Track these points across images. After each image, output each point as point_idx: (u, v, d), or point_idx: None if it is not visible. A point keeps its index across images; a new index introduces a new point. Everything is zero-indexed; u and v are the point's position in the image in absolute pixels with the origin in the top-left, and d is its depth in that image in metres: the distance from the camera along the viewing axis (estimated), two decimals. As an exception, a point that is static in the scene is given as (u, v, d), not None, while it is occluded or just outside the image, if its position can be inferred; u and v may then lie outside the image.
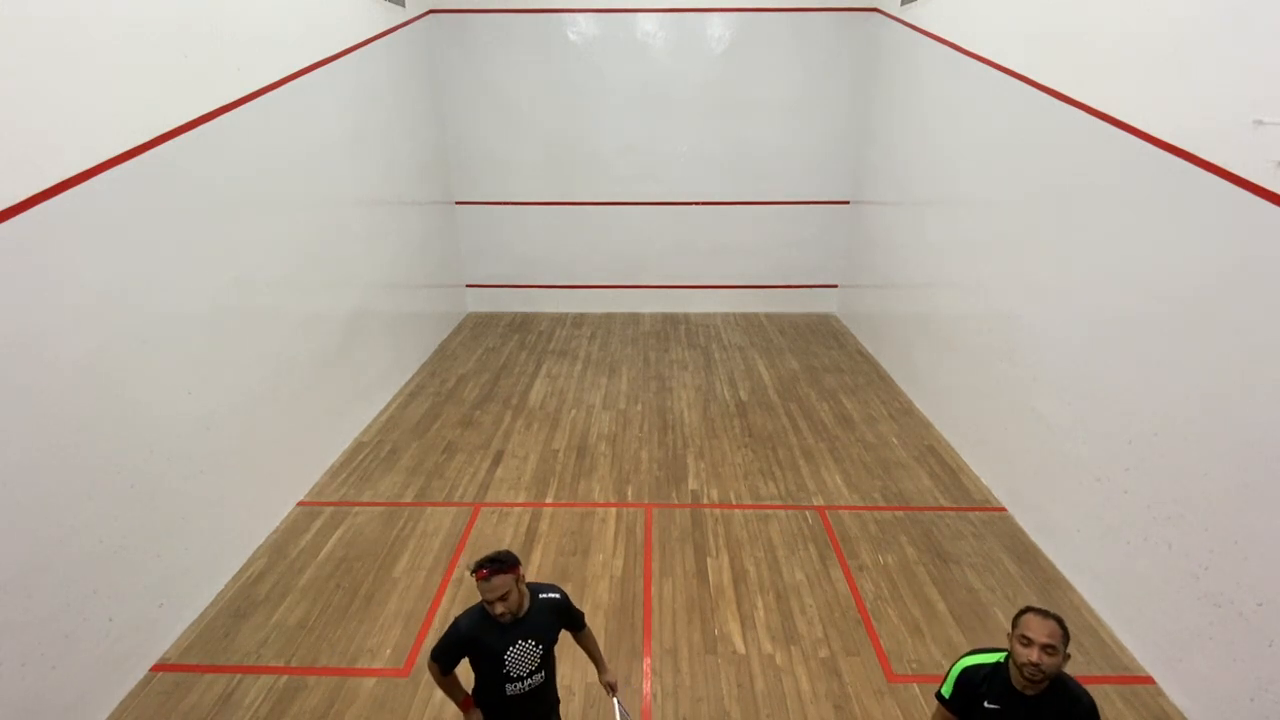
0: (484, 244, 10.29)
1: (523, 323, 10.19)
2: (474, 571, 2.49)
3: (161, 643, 4.06)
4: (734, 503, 5.61)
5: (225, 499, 4.62)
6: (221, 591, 4.56)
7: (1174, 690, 3.75)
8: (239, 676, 3.90)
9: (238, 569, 4.77)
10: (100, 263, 3.60)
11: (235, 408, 4.71)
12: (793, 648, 4.12)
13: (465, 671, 2.61)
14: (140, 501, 3.86)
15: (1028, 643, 2.20)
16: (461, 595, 4.54)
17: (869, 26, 9.00)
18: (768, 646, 4.13)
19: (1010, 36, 5.53)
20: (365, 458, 6.29)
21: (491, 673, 2.52)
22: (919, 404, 7.28)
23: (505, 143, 9.71)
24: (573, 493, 5.77)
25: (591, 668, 3.94)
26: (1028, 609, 2.30)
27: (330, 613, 4.40)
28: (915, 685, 3.85)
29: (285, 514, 5.40)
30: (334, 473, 6.03)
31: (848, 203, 9.92)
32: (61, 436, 3.36)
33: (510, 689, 2.54)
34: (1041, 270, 5.01)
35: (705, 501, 5.63)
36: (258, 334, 5.00)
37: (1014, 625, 2.29)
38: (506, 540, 5.11)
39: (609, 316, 10.46)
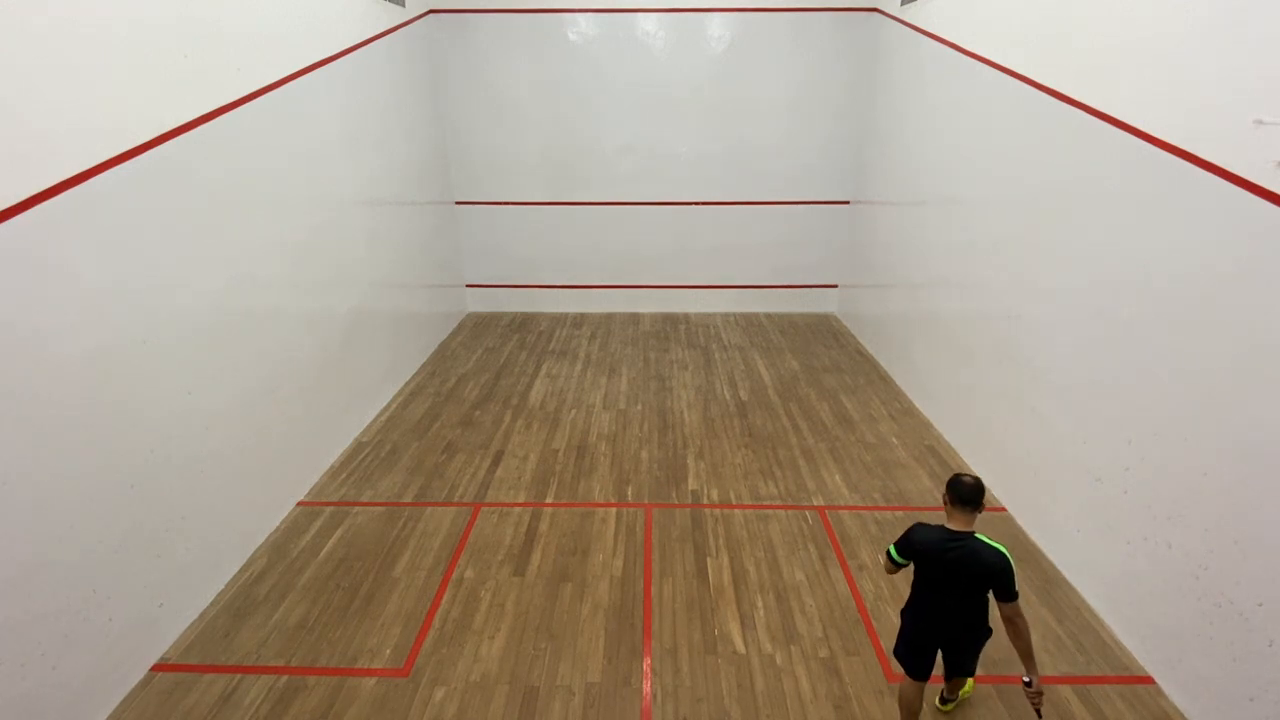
0: (484, 244, 10.29)
1: (523, 323, 10.19)
2: None
3: (161, 643, 4.07)
4: (734, 503, 5.61)
5: (225, 499, 4.62)
6: (221, 591, 4.56)
7: (1174, 690, 3.75)
8: (239, 676, 3.90)
9: (238, 569, 4.77)
10: (100, 263, 3.60)
11: (235, 408, 4.72)
12: (793, 648, 4.12)
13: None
14: (140, 501, 3.86)
15: None
16: (461, 596, 4.54)
17: (869, 26, 9.00)
18: (768, 646, 4.13)
19: (1010, 36, 5.53)
20: (365, 458, 6.29)
21: None
22: (919, 404, 7.28)
23: (505, 143, 9.71)
24: (573, 493, 5.77)
25: (592, 666, 3.95)
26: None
27: (330, 613, 4.40)
28: (915, 685, 3.85)
29: (285, 514, 5.40)
30: (334, 473, 6.03)
31: (848, 203, 9.92)
32: (61, 436, 3.36)
33: None
34: (1041, 270, 5.01)
35: (705, 501, 5.63)
36: (258, 334, 5.00)
37: None
38: (506, 540, 5.12)
39: (609, 316, 10.46)
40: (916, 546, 3.11)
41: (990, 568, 2.91)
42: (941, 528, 3.09)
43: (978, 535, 3.02)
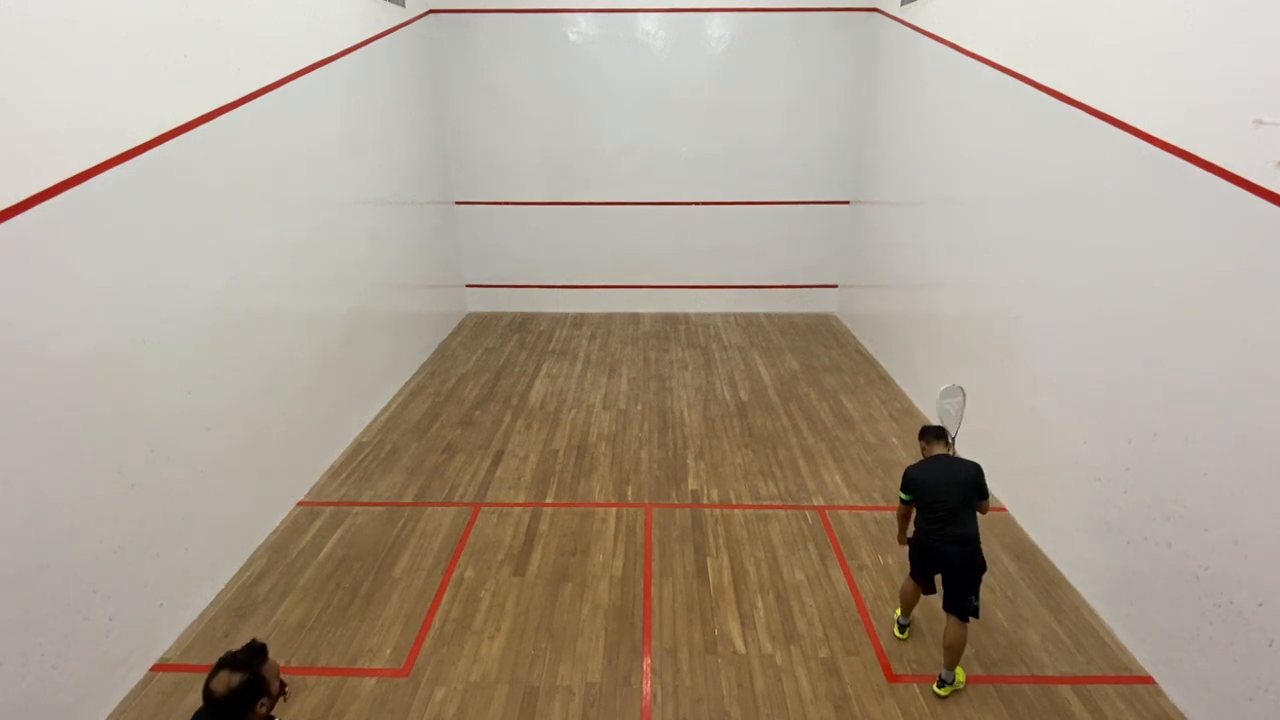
0: (484, 244, 10.29)
1: (523, 323, 10.19)
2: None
3: (161, 643, 4.07)
4: (734, 503, 5.61)
5: (225, 499, 4.62)
6: (221, 591, 4.56)
7: (1174, 690, 3.75)
8: (239, 676, 3.89)
9: (238, 569, 4.77)
10: (100, 263, 3.60)
11: (235, 408, 4.72)
12: (793, 648, 4.12)
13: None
14: (140, 501, 3.86)
15: None
16: (461, 596, 4.54)
17: (869, 26, 9.00)
18: (768, 646, 4.13)
19: (1010, 36, 5.53)
20: (365, 458, 6.29)
21: None
22: (919, 404, 7.28)
23: (505, 143, 9.71)
24: (573, 493, 5.77)
25: (592, 666, 3.95)
26: None
27: (330, 613, 4.40)
28: (915, 685, 3.85)
29: (285, 514, 5.40)
30: (334, 473, 6.03)
31: (848, 203, 9.92)
32: (62, 437, 3.36)
33: None
34: (1041, 270, 5.01)
35: (705, 501, 5.63)
36: (258, 334, 5.00)
37: None
38: (506, 540, 5.12)
39: (609, 316, 10.46)
40: (917, 475, 3.87)
41: (971, 467, 3.81)
42: (929, 458, 3.96)
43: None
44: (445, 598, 4.53)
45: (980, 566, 3.68)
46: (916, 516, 3.88)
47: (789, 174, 9.83)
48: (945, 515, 3.70)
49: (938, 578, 3.90)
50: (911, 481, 3.89)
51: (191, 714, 2.22)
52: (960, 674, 3.78)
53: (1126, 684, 3.85)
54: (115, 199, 3.68)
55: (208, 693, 2.06)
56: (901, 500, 3.95)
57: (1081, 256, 4.55)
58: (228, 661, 2.11)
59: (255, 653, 2.16)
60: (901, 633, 4.18)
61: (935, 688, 3.78)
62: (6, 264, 3.09)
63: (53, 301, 3.32)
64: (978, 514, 3.76)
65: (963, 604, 3.67)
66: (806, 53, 9.22)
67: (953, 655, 3.71)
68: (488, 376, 8.16)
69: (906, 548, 4.08)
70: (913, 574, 4.04)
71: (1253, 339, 3.28)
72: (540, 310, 10.63)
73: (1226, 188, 3.43)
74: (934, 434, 4.05)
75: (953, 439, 4.11)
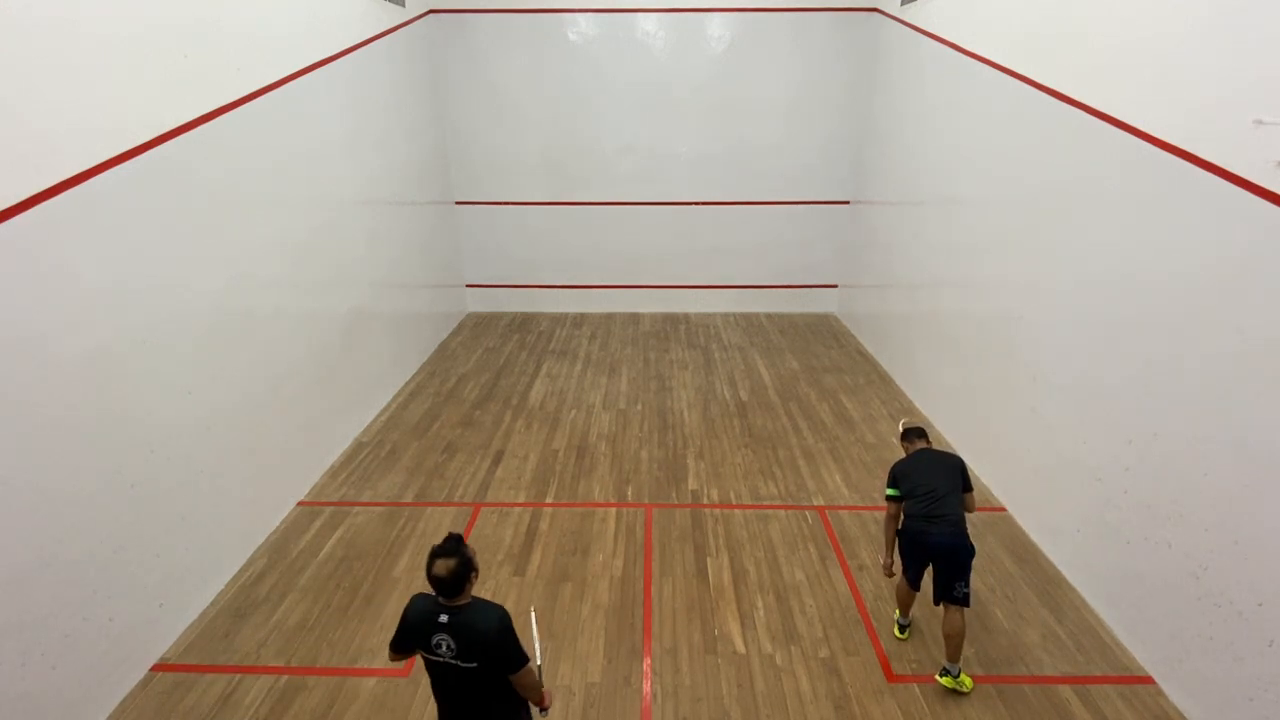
0: (484, 244, 10.29)
1: (523, 323, 10.19)
2: None
3: (161, 643, 4.07)
4: (734, 503, 5.61)
5: (225, 499, 4.62)
6: (221, 591, 4.56)
7: (1174, 690, 3.75)
8: (239, 676, 3.90)
9: (238, 569, 4.77)
10: (100, 263, 3.60)
11: (235, 408, 4.72)
12: (793, 648, 4.12)
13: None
14: (140, 502, 3.86)
15: None
16: (461, 595, 4.54)
17: (869, 26, 9.00)
18: (768, 646, 4.13)
19: (1011, 36, 5.53)
20: (365, 458, 6.29)
21: None
22: (919, 404, 7.28)
23: (505, 143, 9.71)
24: (573, 493, 5.77)
25: (592, 666, 3.95)
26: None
27: (330, 613, 4.40)
28: (915, 685, 3.85)
29: (285, 514, 5.40)
30: (334, 473, 6.03)
31: (848, 203, 9.92)
32: (61, 437, 3.36)
33: None
34: (1041, 270, 5.01)
35: (705, 501, 5.63)
36: (258, 334, 5.00)
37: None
38: (506, 540, 5.12)
39: (609, 316, 10.46)
40: (902, 467, 3.98)
41: (956, 457, 4.04)
42: (912, 453, 4.08)
43: None
44: (445, 598, 4.52)
45: (969, 550, 3.70)
46: (905, 507, 3.90)
47: (789, 174, 9.83)
48: (932, 499, 3.76)
49: (926, 576, 3.91)
50: (898, 475, 3.96)
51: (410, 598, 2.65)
52: (967, 680, 3.77)
53: (1126, 684, 3.86)
54: (115, 199, 3.68)
55: (434, 578, 2.48)
56: (888, 497, 3.97)
57: (1081, 256, 4.55)
58: (439, 552, 2.50)
59: (457, 540, 2.56)
60: (901, 633, 4.18)
61: (938, 676, 3.80)
62: (6, 264, 3.09)
63: (53, 301, 3.32)
64: (966, 509, 3.82)
65: (952, 591, 3.70)
66: (806, 53, 9.22)
67: (953, 645, 3.72)
68: (488, 376, 8.16)
69: (894, 574, 4.07)
70: (903, 571, 4.04)
71: (1253, 339, 3.28)
72: (540, 310, 10.63)
73: (1226, 188, 3.43)
74: (915, 433, 4.19)
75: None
